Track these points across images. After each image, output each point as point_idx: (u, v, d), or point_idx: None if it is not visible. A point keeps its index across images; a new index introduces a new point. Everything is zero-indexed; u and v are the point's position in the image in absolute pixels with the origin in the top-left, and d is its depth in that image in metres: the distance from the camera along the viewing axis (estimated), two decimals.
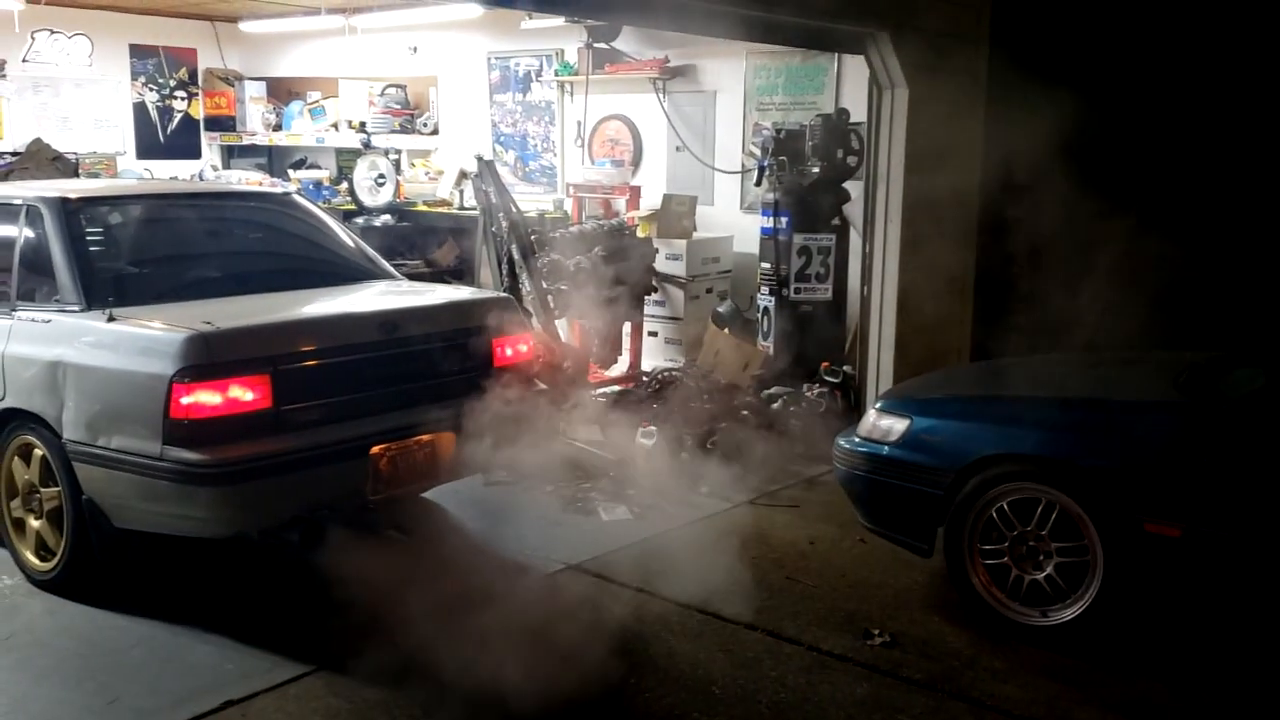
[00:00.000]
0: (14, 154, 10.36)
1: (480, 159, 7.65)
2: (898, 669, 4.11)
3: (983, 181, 7.16)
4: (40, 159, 10.31)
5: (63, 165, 10.41)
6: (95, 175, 10.66)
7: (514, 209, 7.24)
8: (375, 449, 4.49)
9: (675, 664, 4.08)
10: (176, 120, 11.76)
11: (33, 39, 10.41)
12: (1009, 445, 4.36)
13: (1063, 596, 4.24)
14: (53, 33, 10.57)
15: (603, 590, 4.73)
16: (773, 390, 7.17)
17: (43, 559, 4.66)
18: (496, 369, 4.98)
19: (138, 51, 11.35)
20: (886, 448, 4.67)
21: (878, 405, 4.93)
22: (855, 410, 6.80)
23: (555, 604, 4.41)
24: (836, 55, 7.98)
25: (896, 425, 4.68)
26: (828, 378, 7.19)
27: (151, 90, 11.52)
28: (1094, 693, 3.96)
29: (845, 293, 7.66)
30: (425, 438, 4.66)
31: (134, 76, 11.36)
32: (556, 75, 9.56)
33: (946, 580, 4.58)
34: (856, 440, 4.85)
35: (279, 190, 6.84)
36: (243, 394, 4.23)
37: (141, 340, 4.27)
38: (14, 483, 4.75)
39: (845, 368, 7.33)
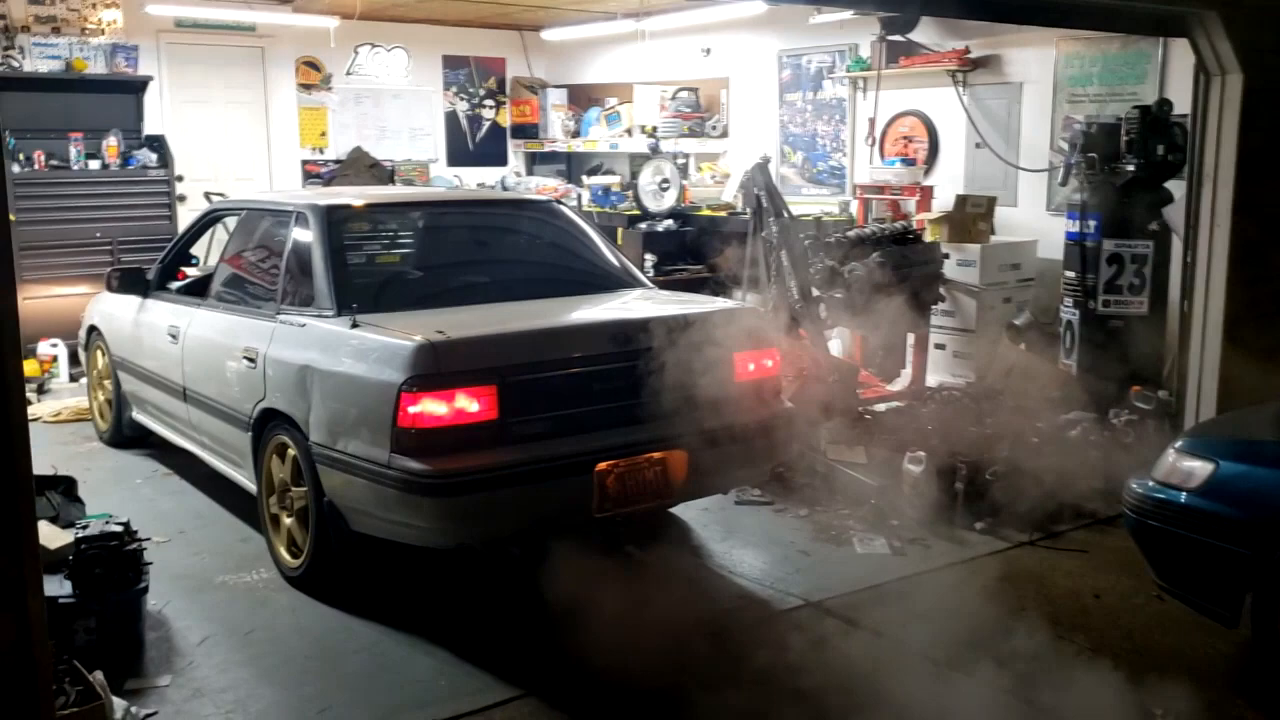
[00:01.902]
0: (337, 161, 11.12)
1: (767, 159, 7.34)
2: None
3: None
4: (359, 166, 11.00)
5: (378, 172, 11.04)
6: (410, 182, 11.23)
7: (785, 212, 6.88)
8: (601, 465, 4.28)
9: None
10: (485, 128, 12.21)
11: (355, 53, 11.11)
12: None
13: None
14: (374, 47, 11.23)
15: (841, 633, 4.29)
16: (1072, 415, 6.40)
17: (292, 555, 4.79)
18: (738, 383, 4.67)
19: (450, 62, 11.88)
20: (1184, 495, 3.97)
21: (1177, 445, 4.20)
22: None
23: (785, 646, 4.02)
24: (1161, 40, 7.07)
25: (1198, 469, 3.97)
26: (1139, 404, 6.32)
27: (462, 99, 12.02)
28: None
29: (1165, 307, 6.74)
30: (655, 455, 4.41)
31: (446, 86, 11.89)
32: (848, 71, 9.10)
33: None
34: (1151, 484, 4.15)
35: (541, 197, 6.82)
36: (469, 404, 4.14)
37: (376, 348, 4.29)
38: (272, 480, 4.92)
39: (1161, 393, 6.43)
